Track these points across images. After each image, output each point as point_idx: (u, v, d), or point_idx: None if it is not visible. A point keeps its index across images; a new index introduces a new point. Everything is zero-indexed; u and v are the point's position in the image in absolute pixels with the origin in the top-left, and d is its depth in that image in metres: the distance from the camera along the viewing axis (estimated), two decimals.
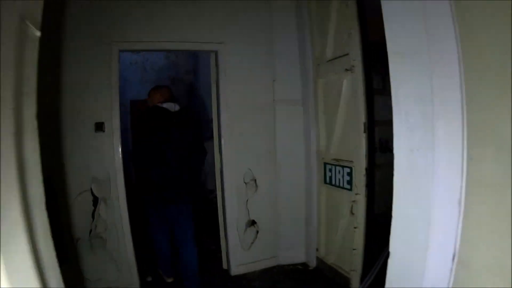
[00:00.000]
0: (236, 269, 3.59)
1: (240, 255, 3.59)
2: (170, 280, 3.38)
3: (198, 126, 3.22)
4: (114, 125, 3.09)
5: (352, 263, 3.03)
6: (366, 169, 2.83)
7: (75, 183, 3.07)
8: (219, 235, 3.73)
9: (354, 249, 2.98)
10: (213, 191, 7.60)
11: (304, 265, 3.73)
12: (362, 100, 2.81)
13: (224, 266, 3.71)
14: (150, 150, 2.84)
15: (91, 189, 3.09)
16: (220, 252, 3.77)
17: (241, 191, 3.51)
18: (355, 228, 2.95)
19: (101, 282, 3.16)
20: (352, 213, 3.00)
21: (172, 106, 2.88)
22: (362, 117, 2.82)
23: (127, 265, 3.22)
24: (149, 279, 3.52)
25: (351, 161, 2.98)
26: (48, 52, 2.96)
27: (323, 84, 3.40)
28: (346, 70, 2.93)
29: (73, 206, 3.07)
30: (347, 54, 2.94)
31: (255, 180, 3.53)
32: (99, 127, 3.05)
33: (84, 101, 3.05)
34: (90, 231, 3.12)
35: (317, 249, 3.60)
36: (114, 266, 3.20)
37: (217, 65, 3.40)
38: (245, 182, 3.50)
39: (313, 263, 3.66)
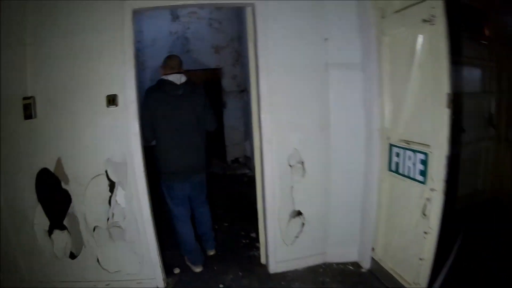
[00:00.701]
0: (275, 266, 3.04)
1: (281, 251, 3.03)
2: (199, 269, 3.12)
3: (205, 97, 2.98)
4: (128, 97, 2.60)
5: (416, 275, 2.36)
6: (448, 158, 2.08)
7: (88, 166, 2.69)
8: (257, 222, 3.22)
9: (421, 259, 2.30)
10: (234, 163, 7.35)
11: (356, 265, 3.10)
12: (445, 63, 2.03)
13: (263, 260, 3.19)
14: (156, 127, 2.80)
15: (106, 172, 2.68)
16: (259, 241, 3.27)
17: (285, 175, 2.89)
18: (425, 233, 2.25)
19: (120, 274, 2.81)
20: (424, 214, 2.27)
21: (178, 78, 2.80)
22: (445, 86, 2.04)
23: (149, 257, 2.80)
24: (177, 271, 3.12)
25: (427, 145, 2.22)
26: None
27: (390, 43, 2.60)
28: (424, 21, 2.14)
29: (87, 192, 2.70)
30: (424, 0, 2.16)
31: (303, 163, 2.88)
32: (111, 100, 2.59)
33: (94, 72, 2.61)
34: (108, 219, 2.74)
35: (373, 249, 2.93)
36: (135, 258, 2.81)
37: (254, 23, 2.74)
38: (290, 165, 2.87)
39: (366, 264, 3.01)
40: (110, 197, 2.71)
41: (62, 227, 2.77)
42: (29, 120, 2.62)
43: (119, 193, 2.71)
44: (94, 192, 2.71)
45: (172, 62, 2.92)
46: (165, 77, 2.81)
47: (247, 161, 7.00)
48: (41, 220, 2.75)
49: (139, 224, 2.75)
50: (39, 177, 2.71)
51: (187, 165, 2.87)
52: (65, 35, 2.59)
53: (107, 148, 2.67)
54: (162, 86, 2.78)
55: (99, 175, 2.69)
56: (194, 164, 2.91)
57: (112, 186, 2.70)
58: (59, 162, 2.70)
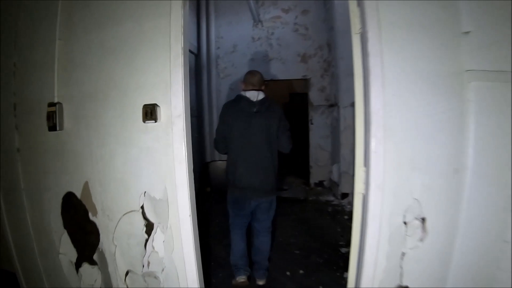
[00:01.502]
0: None
1: None
2: (242, 279, 3.03)
3: (281, 116, 2.79)
4: (174, 109, 1.87)
5: None
6: None
7: (120, 198, 2.08)
8: None
9: None
10: (318, 186, 6.48)
11: None
12: None
13: None
14: (229, 141, 2.77)
15: (142, 208, 2.02)
16: None
17: (395, 237, 1.84)
18: None
19: None
20: None
21: (255, 95, 2.72)
22: None
23: None
24: None
25: None
26: None
27: None
28: None
29: (118, 229, 2.09)
30: None
31: (423, 220, 1.86)
32: (149, 113, 1.88)
33: (129, 72, 1.98)
34: (143, 266, 2.07)
35: None
36: None
37: (361, 7, 1.82)
38: (404, 222, 1.88)
39: None
40: (147, 240, 2.03)
41: (92, 262, 2.24)
42: (53, 132, 2.14)
43: (158, 238, 2.02)
44: (126, 231, 2.09)
45: (252, 78, 2.80)
46: (243, 93, 2.77)
47: (333, 187, 6.03)
48: (67, 250, 2.28)
49: (181, 281, 2.02)
50: (65, 201, 2.24)
51: (253, 185, 2.76)
52: (98, 27, 2.05)
53: (144, 178, 2.00)
54: (239, 101, 2.74)
55: (132, 211, 2.05)
56: (260, 185, 2.77)
57: (149, 227, 2.03)
58: (86, 188, 2.15)
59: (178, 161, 1.88)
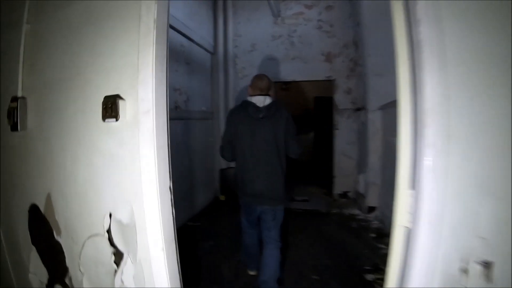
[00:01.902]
0: None
1: None
2: (253, 273, 3.22)
3: (287, 121, 2.66)
4: (141, 103, 1.41)
5: None
6: None
7: (82, 217, 1.67)
8: None
9: None
10: (342, 197, 5.87)
11: None
12: None
13: None
14: (236, 148, 2.74)
15: (108, 233, 1.58)
16: None
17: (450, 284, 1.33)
18: None
19: None
20: None
21: (262, 100, 2.65)
22: None
23: None
24: None
25: None
26: None
27: None
28: None
29: (84, 254, 1.68)
30: None
31: (489, 265, 1.31)
32: (109, 108, 1.43)
33: (92, 55, 1.57)
34: None
35: None
36: None
37: None
38: (462, 270, 1.32)
39: None
40: (116, 271, 1.60)
41: (66, 285, 1.84)
42: (16, 132, 1.79)
43: (128, 271, 1.58)
44: (93, 257, 1.67)
45: (259, 83, 2.72)
46: (249, 98, 2.72)
47: (358, 199, 5.46)
48: (37, 269, 1.92)
49: None
50: (31, 214, 1.88)
51: (258, 191, 2.70)
52: (66, 2, 1.67)
53: (108, 195, 1.57)
54: (245, 107, 2.69)
55: (97, 234, 1.63)
56: (265, 192, 2.69)
57: (118, 256, 1.59)
58: (48, 201, 1.78)
59: (146, 175, 1.42)
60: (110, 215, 1.55)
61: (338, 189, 6.00)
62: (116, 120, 1.41)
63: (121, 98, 1.43)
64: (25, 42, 1.83)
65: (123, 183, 1.49)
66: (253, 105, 2.64)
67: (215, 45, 6.02)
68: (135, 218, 1.48)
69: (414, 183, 1.26)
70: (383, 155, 4.68)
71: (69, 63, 1.65)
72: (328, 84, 6.04)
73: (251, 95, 2.72)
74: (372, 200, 4.93)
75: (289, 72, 5.92)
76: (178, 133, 4.78)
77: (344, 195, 5.97)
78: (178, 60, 4.76)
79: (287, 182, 2.79)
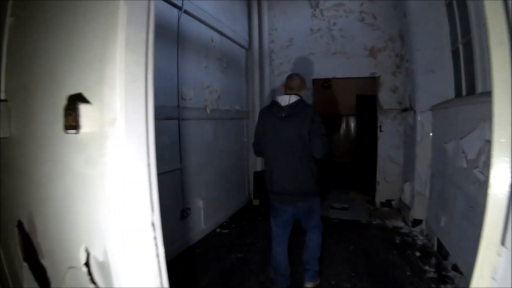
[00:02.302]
0: None
1: None
2: None
3: (312, 119, 2.58)
4: (108, 110, 1.08)
5: None
6: None
7: (61, 245, 1.41)
8: None
9: None
10: (384, 206, 5.38)
11: None
12: None
13: None
14: (263, 147, 2.78)
15: (87, 267, 1.30)
16: None
17: None
18: None
19: None
20: None
21: (286, 99, 2.66)
22: None
23: None
24: None
25: None
26: None
27: None
28: None
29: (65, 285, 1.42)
30: None
31: None
32: (69, 115, 1.10)
33: (66, 49, 1.27)
34: None
35: None
36: None
37: None
38: None
39: None
40: None
41: None
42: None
43: None
44: None
45: (289, 82, 2.79)
46: (276, 98, 2.77)
47: (402, 209, 4.92)
48: (31, 285, 1.69)
49: None
50: (19, 230, 1.67)
51: (288, 189, 2.71)
52: None
53: (81, 225, 1.29)
54: (272, 106, 2.76)
55: (75, 267, 1.35)
56: (295, 190, 2.70)
57: None
58: (30, 220, 1.55)
59: (118, 206, 1.11)
60: (86, 250, 1.27)
61: (381, 196, 5.49)
62: (77, 131, 1.10)
63: (85, 101, 1.12)
64: (9, 37, 1.61)
65: (96, 212, 1.20)
66: (278, 104, 2.68)
67: (250, 41, 5.71)
68: (109, 259, 1.18)
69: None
70: (433, 162, 4.13)
71: (42, 60, 1.39)
72: (372, 81, 5.54)
73: (280, 95, 2.75)
74: (418, 212, 4.39)
75: (329, 68, 5.48)
76: (208, 134, 4.54)
77: (387, 203, 5.45)
78: (208, 56, 4.50)
79: (321, 182, 2.84)
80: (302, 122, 2.59)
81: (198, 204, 4.27)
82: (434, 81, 4.10)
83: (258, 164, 5.82)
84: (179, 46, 3.78)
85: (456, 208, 3.19)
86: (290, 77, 2.81)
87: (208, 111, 4.41)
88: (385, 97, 5.27)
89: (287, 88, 2.77)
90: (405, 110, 4.99)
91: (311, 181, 2.71)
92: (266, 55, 5.72)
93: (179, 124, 3.80)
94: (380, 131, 5.33)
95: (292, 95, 2.67)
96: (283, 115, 2.63)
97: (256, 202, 5.78)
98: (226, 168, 5.07)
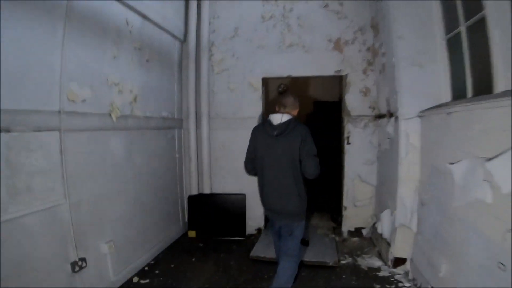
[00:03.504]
0: None
1: None
2: None
3: (303, 139, 2.55)
4: None
5: None
6: None
7: None
8: None
9: None
10: (354, 235, 4.37)
11: None
12: None
13: None
14: (255, 164, 2.79)
15: None
16: None
17: None
18: None
19: None
20: None
21: (278, 118, 2.65)
22: None
23: None
24: None
25: None
26: None
27: None
28: None
29: None
30: None
31: None
32: None
33: None
34: None
35: None
36: None
37: None
38: None
39: None
40: None
41: None
42: None
43: None
44: None
45: (282, 99, 2.73)
46: (270, 116, 2.72)
47: (378, 242, 3.88)
48: None
49: None
50: None
51: (274, 207, 2.74)
52: None
53: None
54: (264, 124, 2.74)
55: None
56: (281, 209, 2.71)
57: None
58: None
59: None
60: None
61: (349, 224, 4.44)
62: None
63: None
64: None
65: None
66: (269, 122, 2.68)
67: (186, 31, 4.48)
68: None
69: None
70: (422, 187, 3.11)
71: None
72: (337, 81, 4.50)
73: (272, 113, 2.73)
74: (401, 249, 3.35)
75: (284, 65, 4.36)
76: (117, 151, 3.24)
77: (357, 232, 4.42)
78: (120, 43, 3.23)
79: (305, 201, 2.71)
80: (294, 141, 2.56)
81: (101, 250, 2.98)
82: (423, 78, 3.11)
83: (193, 185, 4.54)
84: (67, 22, 2.52)
85: (470, 258, 2.20)
86: (282, 95, 2.77)
87: (115, 119, 3.10)
88: (353, 101, 4.23)
89: (280, 106, 2.72)
90: (380, 117, 3.97)
91: (296, 203, 2.66)
92: (204, 48, 4.47)
93: (60, 137, 2.51)
94: (348, 143, 4.26)
95: (284, 114, 2.65)
96: (275, 133, 2.62)
97: (192, 233, 4.52)
98: (148, 195, 3.77)
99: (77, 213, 2.69)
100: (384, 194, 3.84)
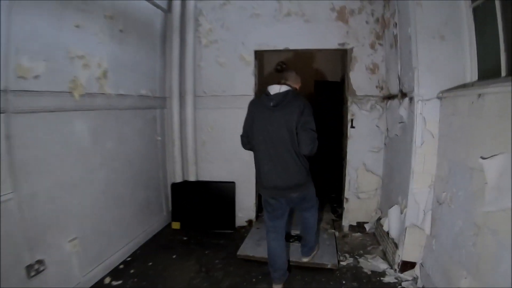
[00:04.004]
0: None
1: None
2: (278, 286, 2.79)
3: (301, 111, 2.41)
4: None
5: None
6: None
7: None
8: None
9: None
10: (355, 231, 4.01)
11: None
12: None
13: None
14: (251, 139, 2.63)
15: None
16: None
17: None
18: None
19: None
20: None
21: (276, 89, 2.53)
22: None
23: None
24: None
25: None
26: None
27: None
28: None
29: None
30: None
31: None
32: None
33: None
34: None
35: None
36: None
37: None
38: None
39: None
40: None
41: None
42: None
43: None
44: None
45: (284, 73, 2.73)
46: (268, 87, 2.60)
47: (383, 239, 3.43)
48: None
49: None
50: None
51: (279, 184, 2.58)
52: None
53: None
54: (261, 96, 2.62)
55: None
56: (287, 184, 2.57)
57: None
58: None
59: None
60: None
61: (350, 218, 3.99)
62: None
63: None
64: None
65: None
66: (267, 93, 2.56)
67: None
68: None
69: None
70: (440, 183, 2.62)
71: None
72: (340, 56, 3.96)
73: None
74: (410, 252, 2.89)
75: (280, 36, 3.80)
76: (81, 134, 2.77)
77: (359, 227, 3.96)
78: (86, 10, 2.70)
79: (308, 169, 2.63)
80: (291, 113, 2.43)
81: (65, 249, 2.57)
82: (444, 53, 2.60)
83: (177, 172, 4.07)
84: None
85: (500, 278, 1.77)
86: (286, 70, 2.78)
87: (77, 97, 2.60)
88: (359, 79, 3.70)
89: (281, 79, 2.65)
90: (389, 97, 3.45)
91: (303, 173, 2.59)
92: (190, 18, 3.90)
93: (6, 121, 2.06)
94: (352, 127, 3.75)
95: (282, 85, 2.54)
96: (271, 104, 2.49)
97: (176, 225, 4.10)
98: (123, 183, 3.31)
99: (32, 208, 2.27)
100: (392, 187, 3.36)
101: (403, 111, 2.95)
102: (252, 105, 2.67)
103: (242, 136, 2.74)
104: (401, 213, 3.00)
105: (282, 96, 2.48)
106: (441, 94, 2.59)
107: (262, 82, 4.11)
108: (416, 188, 2.80)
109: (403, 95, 2.98)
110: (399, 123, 3.06)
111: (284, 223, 2.81)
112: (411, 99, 2.79)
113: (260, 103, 2.58)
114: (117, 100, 3.16)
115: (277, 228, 2.78)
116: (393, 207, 3.15)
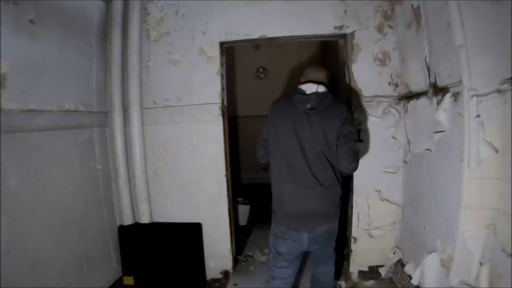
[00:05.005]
0: None
1: None
2: None
3: (345, 120, 1.97)
4: None
5: None
6: None
7: None
8: None
9: None
10: (366, 277, 3.04)
11: None
12: None
13: None
14: (273, 149, 2.10)
15: None
16: None
17: None
18: None
19: None
20: None
21: (314, 88, 2.02)
22: None
23: None
24: None
25: None
26: None
27: None
28: None
29: None
30: None
31: None
32: None
33: None
34: None
35: None
36: None
37: None
38: None
39: None
40: None
41: None
42: None
43: None
44: None
45: (313, 73, 2.12)
46: (300, 86, 2.08)
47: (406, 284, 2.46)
48: None
49: None
50: None
51: (307, 209, 2.00)
52: None
53: None
54: (291, 96, 2.09)
55: None
56: (317, 209, 2.01)
57: None
58: None
59: None
60: None
61: (359, 261, 2.98)
62: None
63: None
64: None
65: None
66: (301, 92, 2.04)
67: None
68: None
69: None
70: (507, 221, 1.66)
71: None
72: (337, 43, 3.04)
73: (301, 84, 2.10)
74: None
75: (255, 19, 2.84)
76: None
77: (371, 272, 2.97)
78: None
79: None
80: (332, 120, 1.97)
81: None
82: (502, 23, 1.65)
83: (126, 211, 3.03)
84: None
85: None
86: (315, 68, 2.15)
87: None
88: (364, 74, 2.74)
89: (308, 78, 2.09)
90: (408, 97, 2.50)
91: (338, 198, 2.07)
92: (135, 6, 2.91)
93: None
94: (359, 140, 2.76)
95: (320, 84, 2.02)
96: (308, 106, 1.99)
97: (128, 280, 3.10)
98: (39, 233, 2.32)
99: None
100: (422, 223, 2.38)
101: (442, 115, 1.96)
102: (276, 106, 2.15)
103: (258, 145, 2.24)
104: (443, 265, 2.02)
105: (320, 97, 2.00)
106: (503, 86, 1.64)
107: (230, 84, 3.10)
108: (468, 230, 1.83)
109: (439, 90, 2.02)
110: (435, 132, 2.08)
111: (294, 272, 2.20)
112: (455, 95, 1.83)
113: (289, 103, 2.07)
114: (27, 118, 2.19)
115: (285, 277, 2.17)
116: (429, 255, 2.16)
